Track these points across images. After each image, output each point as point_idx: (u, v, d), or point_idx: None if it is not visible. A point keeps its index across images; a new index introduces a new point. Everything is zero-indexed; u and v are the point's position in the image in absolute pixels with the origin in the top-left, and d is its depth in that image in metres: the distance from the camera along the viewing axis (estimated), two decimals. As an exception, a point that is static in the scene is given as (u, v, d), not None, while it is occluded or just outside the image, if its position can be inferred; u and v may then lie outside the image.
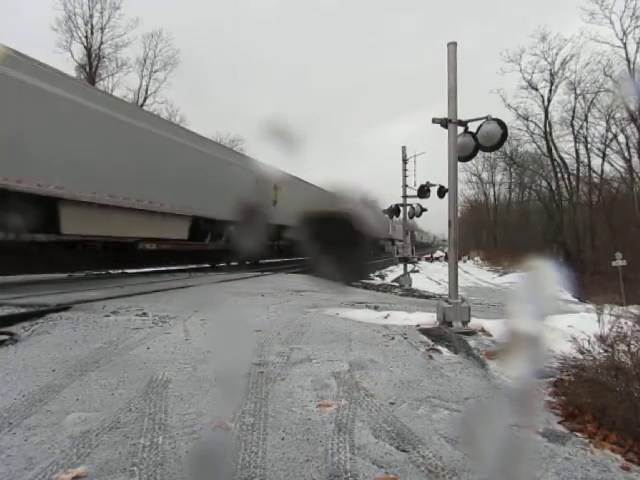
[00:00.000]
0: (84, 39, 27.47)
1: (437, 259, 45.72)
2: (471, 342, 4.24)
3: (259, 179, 14.99)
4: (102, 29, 27.70)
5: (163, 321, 4.72)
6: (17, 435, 2.12)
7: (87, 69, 27.61)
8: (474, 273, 31.12)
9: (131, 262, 11.35)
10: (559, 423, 2.49)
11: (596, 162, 29.06)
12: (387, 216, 20.97)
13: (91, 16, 27.32)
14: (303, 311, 5.65)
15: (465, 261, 41.67)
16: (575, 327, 3.94)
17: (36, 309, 4.84)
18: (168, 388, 2.80)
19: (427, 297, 11.27)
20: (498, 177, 44.07)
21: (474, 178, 45.65)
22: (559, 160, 30.37)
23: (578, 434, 2.34)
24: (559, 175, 30.95)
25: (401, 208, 18.21)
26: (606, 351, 2.93)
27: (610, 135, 27.44)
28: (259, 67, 77.20)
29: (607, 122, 27.06)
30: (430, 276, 26.47)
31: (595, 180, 29.83)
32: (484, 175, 45.36)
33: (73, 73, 25.13)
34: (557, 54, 28.89)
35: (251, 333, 4.28)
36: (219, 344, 3.90)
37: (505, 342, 3.99)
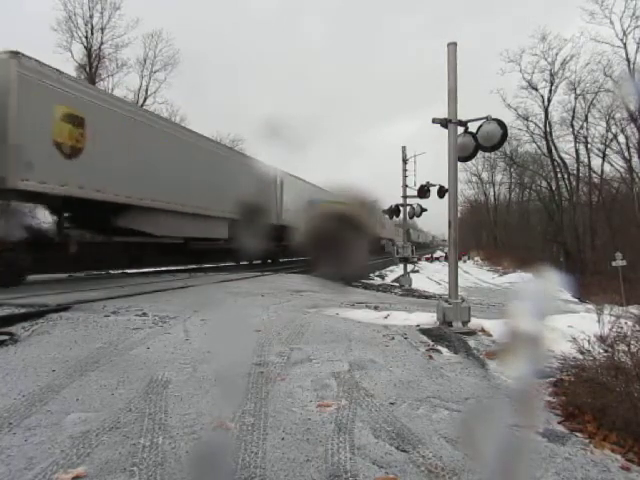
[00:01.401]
0: (84, 39, 27.51)
1: (437, 259, 45.73)
2: (471, 342, 4.24)
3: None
4: (102, 29, 27.74)
5: (163, 321, 4.72)
6: (17, 435, 2.12)
7: (87, 69, 27.61)
8: (474, 273, 31.11)
9: None
10: (559, 423, 2.49)
11: (596, 162, 29.15)
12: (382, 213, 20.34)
13: (91, 16, 27.37)
14: (303, 311, 5.64)
15: (465, 261, 41.64)
16: (575, 327, 3.94)
17: (36, 309, 4.83)
18: (168, 388, 2.80)
19: (427, 297, 11.26)
20: (498, 177, 44.09)
21: (474, 178, 45.66)
22: (559, 160, 30.42)
23: (578, 434, 2.35)
24: (559, 175, 30.97)
25: (401, 208, 18.20)
26: (606, 351, 2.94)
27: (610, 135, 27.53)
28: (259, 67, 77.21)
29: (607, 122, 27.16)
30: (430, 276, 26.46)
31: (595, 180, 29.90)
32: (484, 175, 45.37)
33: (73, 73, 25.13)
34: (557, 54, 28.96)
35: (251, 333, 4.28)
36: (219, 344, 3.90)
37: (505, 342, 3.99)
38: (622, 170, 28.00)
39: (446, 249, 13.71)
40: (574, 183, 30.49)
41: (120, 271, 11.12)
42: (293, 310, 5.75)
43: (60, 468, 1.84)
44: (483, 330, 4.69)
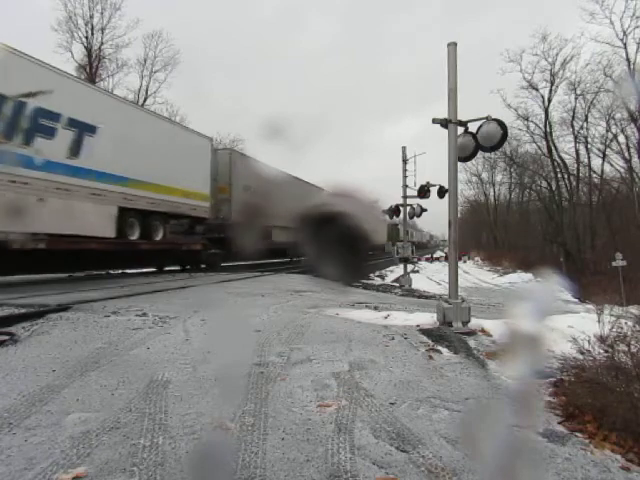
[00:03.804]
0: (84, 39, 27.46)
1: (437, 259, 45.69)
2: (471, 342, 4.23)
3: None
4: (102, 30, 27.69)
5: (163, 321, 4.72)
6: (17, 435, 2.12)
7: (87, 69, 27.61)
8: (474, 273, 31.08)
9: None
10: (559, 423, 2.48)
11: (596, 162, 29.10)
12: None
13: (91, 17, 27.31)
14: (303, 311, 5.64)
15: (465, 261, 41.55)
16: (575, 327, 3.94)
17: (36, 309, 4.84)
18: (168, 388, 2.80)
19: (427, 297, 11.24)
20: (498, 177, 43.96)
21: (474, 178, 45.57)
22: (559, 160, 30.37)
23: (578, 434, 2.34)
24: (559, 175, 30.93)
25: (401, 208, 18.19)
26: (606, 351, 2.93)
27: (610, 135, 27.46)
28: (260, 67, 77.14)
29: (607, 122, 27.08)
30: (430, 276, 26.42)
31: (595, 180, 29.85)
32: (484, 175, 45.26)
33: (73, 73, 25.14)
34: (557, 54, 28.81)
35: (251, 333, 4.28)
36: (219, 344, 3.90)
37: (505, 342, 3.99)
38: (622, 170, 27.99)
39: (446, 249, 13.65)
40: (574, 183, 30.46)
41: (120, 271, 11.13)
42: (293, 310, 5.75)
43: (60, 468, 1.84)
44: (483, 330, 4.69)
